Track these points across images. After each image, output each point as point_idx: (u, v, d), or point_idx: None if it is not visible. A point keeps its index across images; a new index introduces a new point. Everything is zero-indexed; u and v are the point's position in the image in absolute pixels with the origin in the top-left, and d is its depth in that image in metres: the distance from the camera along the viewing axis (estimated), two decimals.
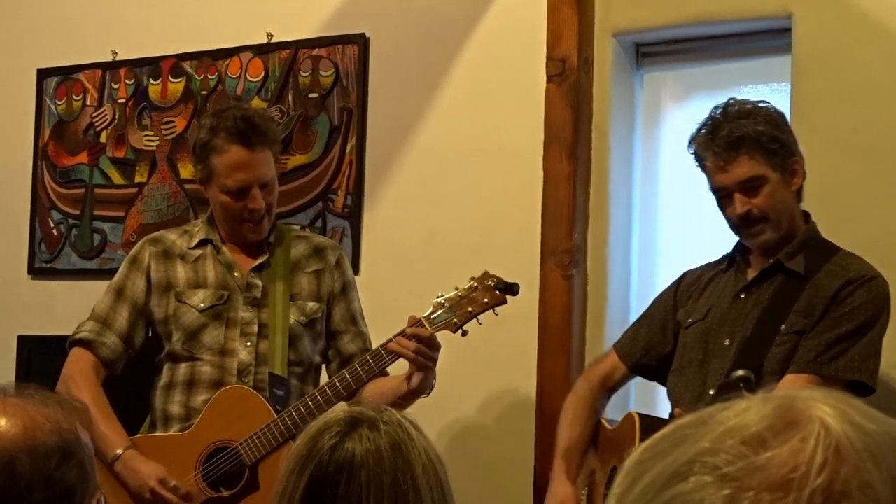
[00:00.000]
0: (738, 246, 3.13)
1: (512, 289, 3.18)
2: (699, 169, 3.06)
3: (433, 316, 3.18)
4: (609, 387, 3.29)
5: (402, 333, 3.18)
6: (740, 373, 2.58)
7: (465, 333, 3.19)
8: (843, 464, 0.73)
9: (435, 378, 3.24)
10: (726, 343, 3.00)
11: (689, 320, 3.12)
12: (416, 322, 3.19)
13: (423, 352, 3.16)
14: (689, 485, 0.75)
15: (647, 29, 3.82)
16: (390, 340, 3.18)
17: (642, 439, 3.04)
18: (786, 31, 3.60)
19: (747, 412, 0.78)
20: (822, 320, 2.90)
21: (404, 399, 3.14)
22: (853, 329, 2.89)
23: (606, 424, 3.24)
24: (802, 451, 0.74)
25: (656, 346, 3.22)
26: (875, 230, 3.41)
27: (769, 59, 3.73)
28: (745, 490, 0.73)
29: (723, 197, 3.01)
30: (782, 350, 2.92)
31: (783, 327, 2.93)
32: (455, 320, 3.18)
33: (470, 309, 3.18)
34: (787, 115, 3.51)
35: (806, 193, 3.47)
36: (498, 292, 3.18)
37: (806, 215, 3.09)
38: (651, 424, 3.01)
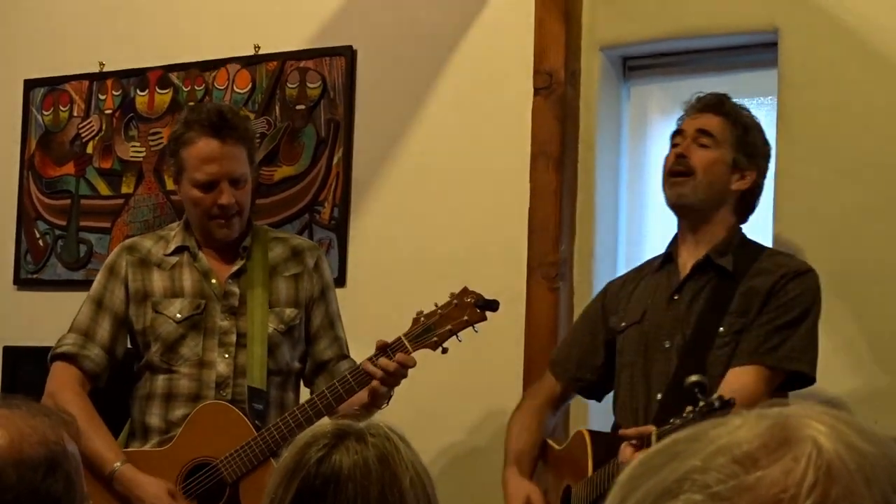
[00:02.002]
0: (670, 244, 3.19)
1: (492, 306, 3.18)
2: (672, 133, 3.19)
3: (413, 334, 3.18)
4: (552, 403, 3.33)
5: (386, 354, 3.16)
6: (694, 378, 2.60)
7: (444, 351, 3.18)
8: (834, 485, 0.73)
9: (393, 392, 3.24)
10: (666, 345, 3.04)
11: (623, 324, 3.16)
12: (396, 343, 3.17)
13: (403, 374, 3.17)
14: (679, 503, 0.75)
15: (634, 42, 3.84)
16: (372, 359, 3.17)
17: (595, 456, 3.09)
18: (772, 45, 3.61)
19: (740, 430, 0.78)
20: (760, 315, 2.96)
21: (366, 410, 3.13)
22: (790, 320, 2.95)
23: (554, 444, 3.27)
24: (793, 472, 0.74)
25: (588, 358, 3.26)
26: (860, 244, 3.42)
27: (756, 72, 3.74)
28: None
29: (675, 144, 3.12)
30: (725, 352, 2.96)
31: (721, 329, 2.98)
32: (435, 338, 3.16)
33: (450, 326, 3.16)
34: (773, 129, 3.54)
35: (792, 207, 3.49)
36: (478, 310, 3.17)
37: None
38: (602, 440, 3.04)
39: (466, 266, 3.87)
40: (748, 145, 3.10)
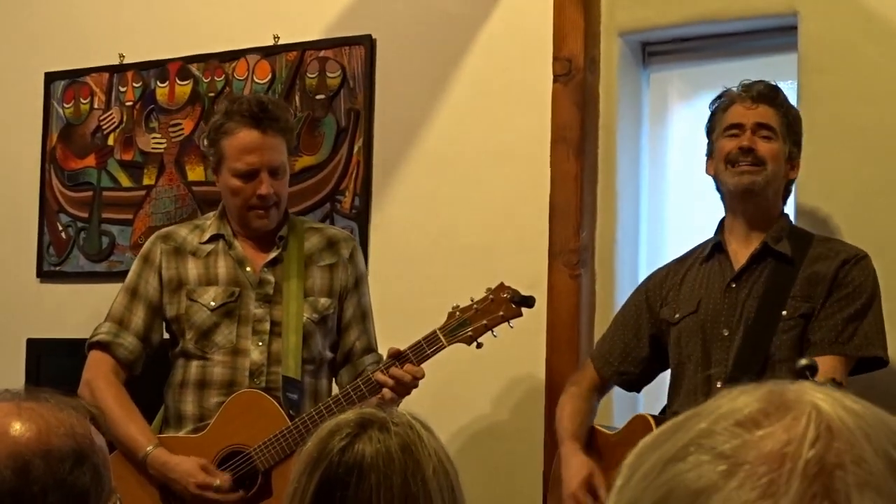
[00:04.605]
0: (717, 233, 3.20)
1: (528, 301, 3.19)
2: (709, 121, 3.20)
3: (449, 328, 3.19)
4: (596, 390, 3.34)
5: (422, 350, 3.19)
6: (804, 361, 2.61)
7: (479, 346, 3.19)
8: (835, 439, 0.76)
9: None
10: (725, 333, 3.06)
11: (678, 315, 3.16)
12: (431, 336, 3.19)
13: (414, 384, 3.20)
14: (687, 464, 0.78)
15: (654, 28, 3.82)
16: (382, 369, 3.20)
17: None
18: (792, 28, 3.60)
19: (738, 398, 0.81)
20: (828, 302, 3.02)
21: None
22: (860, 308, 3.02)
23: (605, 430, 3.26)
24: (795, 428, 0.77)
25: (632, 351, 3.26)
26: (883, 228, 3.41)
27: (776, 56, 3.73)
28: (740, 464, 0.76)
29: (732, 135, 3.13)
30: (791, 336, 3.01)
31: (785, 313, 3.02)
32: (470, 333, 3.18)
33: (485, 321, 3.19)
34: None
35: (813, 191, 3.48)
36: (514, 305, 3.18)
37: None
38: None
39: (488, 254, 3.87)
40: (796, 135, 3.17)
